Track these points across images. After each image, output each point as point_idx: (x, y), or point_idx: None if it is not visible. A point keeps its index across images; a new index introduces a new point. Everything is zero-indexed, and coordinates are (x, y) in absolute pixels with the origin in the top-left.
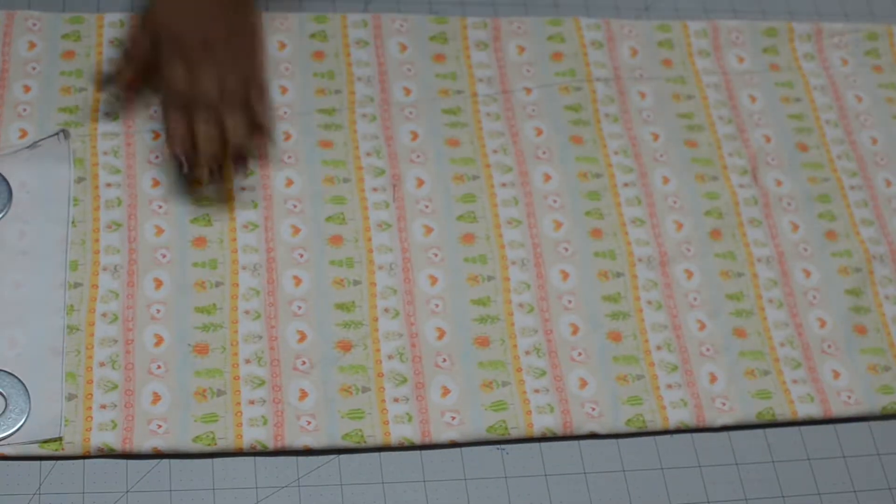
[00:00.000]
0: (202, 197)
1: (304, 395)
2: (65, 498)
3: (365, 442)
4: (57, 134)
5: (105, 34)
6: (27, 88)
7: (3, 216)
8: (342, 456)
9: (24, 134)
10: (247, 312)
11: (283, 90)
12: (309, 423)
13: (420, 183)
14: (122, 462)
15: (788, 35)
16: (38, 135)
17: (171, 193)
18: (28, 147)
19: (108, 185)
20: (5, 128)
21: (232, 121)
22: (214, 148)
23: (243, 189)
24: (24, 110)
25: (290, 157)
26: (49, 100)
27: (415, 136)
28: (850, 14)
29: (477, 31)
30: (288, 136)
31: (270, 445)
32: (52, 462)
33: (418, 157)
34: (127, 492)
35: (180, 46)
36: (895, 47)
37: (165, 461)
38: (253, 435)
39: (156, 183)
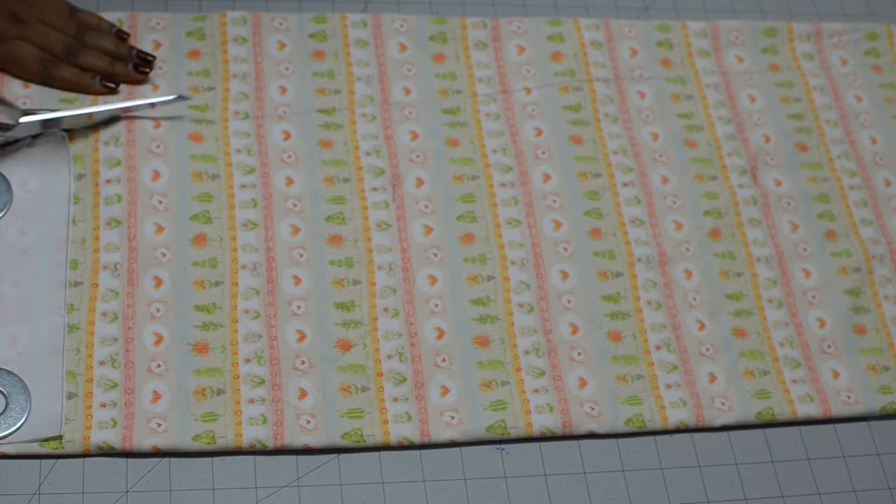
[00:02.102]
0: (202, 194)
1: (303, 394)
2: (65, 498)
3: (364, 441)
4: (55, 132)
5: None
6: (26, 85)
7: (3, 215)
8: (342, 456)
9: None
10: (246, 312)
11: (283, 90)
12: (308, 422)
13: (420, 183)
14: (122, 462)
15: (788, 35)
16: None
17: (172, 187)
18: (27, 145)
19: (108, 181)
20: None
21: (92, 39)
22: (104, 63)
23: (243, 187)
24: (24, 104)
25: (289, 157)
26: (49, 95)
27: (414, 135)
28: (849, 14)
29: (476, 31)
30: (288, 136)
31: (270, 444)
32: (52, 462)
33: (418, 156)
34: (127, 491)
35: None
36: (894, 47)
37: (165, 461)
38: (252, 434)
39: (156, 175)
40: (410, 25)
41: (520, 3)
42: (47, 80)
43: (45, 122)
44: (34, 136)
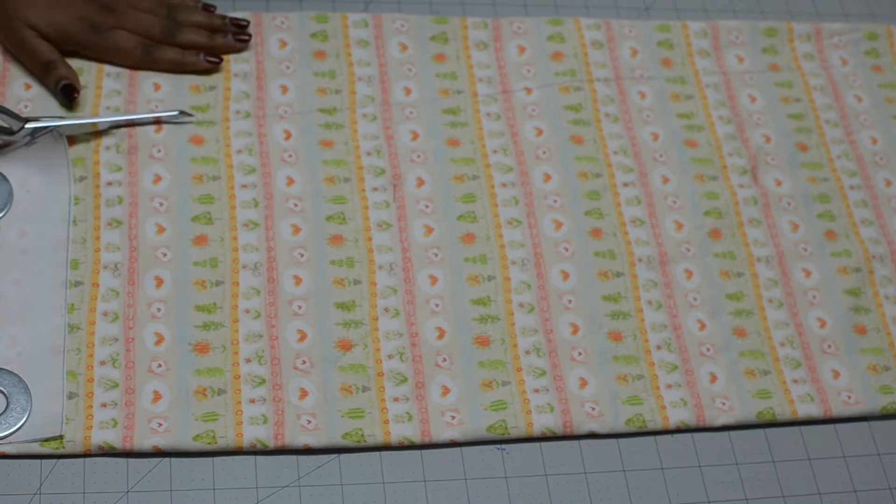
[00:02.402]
0: (203, 195)
1: (304, 394)
2: (65, 498)
3: (365, 441)
4: (51, 130)
5: None
6: (28, 86)
7: (3, 215)
8: (342, 456)
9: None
10: (247, 311)
11: (284, 89)
12: (309, 422)
13: (420, 183)
14: (123, 462)
15: (788, 35)
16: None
17: (173, 189)
18: (26, 144)
19: (109, 183)
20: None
21: (183, 15)
22: (203, 38)
23: (244, 187)
24: (26, 107)
25: (290, 156)
26: (50, 96)
27: (415, 135)
28: (849, 14)
29: (477, 31)
30: (289, 135)
31: (270, 444)
32: (53, 462)
33: (419, 156)
34: (127, 492)
35: (92, 24)
36: (895, 47)
37: (166, 461)
38: (253, 434)
39: (157, 179)
40: (411, 25)
41: (520, 3)
42: (151, 65)
43: (47, 130)
44: (32, 135)
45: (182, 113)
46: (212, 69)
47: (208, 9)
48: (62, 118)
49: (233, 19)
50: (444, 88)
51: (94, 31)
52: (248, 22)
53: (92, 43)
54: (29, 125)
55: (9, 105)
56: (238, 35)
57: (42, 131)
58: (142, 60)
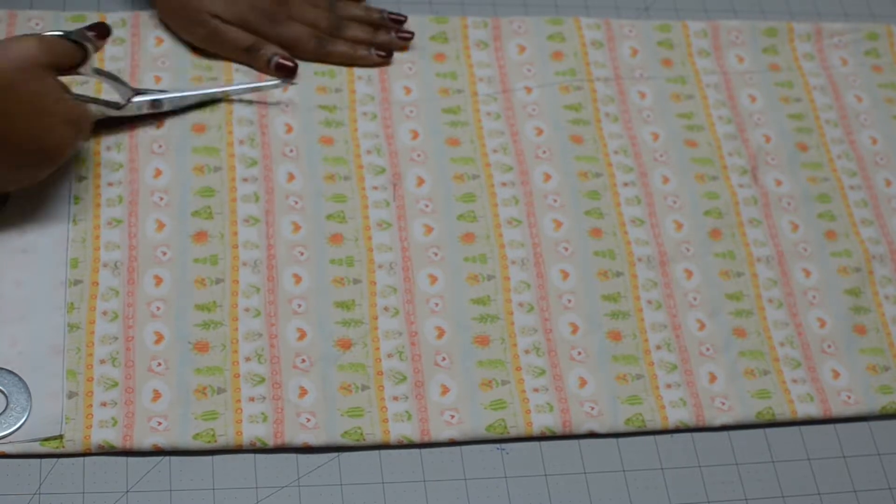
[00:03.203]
0: (204, 188)
1: (303, 392)
2: (65, 498)
3: (364, 440)
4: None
5: None
6: None
7: (2, 214)
8: (342, 456)
9: None
10: (247, 310)
11: (284, 88)
12: (308, 420)
13: (420, 182)
14: (122, 462)
15: (788, 35)
16: None
17: (174, 182)
18: None
19: (110, 183)
20: None
21: (343, 10)
22: (367, 33)
23: (245, 180)
24: None
25: (291, 151)
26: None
27: (415, 134)
28: (849, 14)
29: (477, 30)
30: (290, 129)
31: (270, 443)
32: (52, 462)
33: (418, 155)
34: (127, 492)
35: (268, 14)
36: (895, 47)
37: (165, 461)
38: (253, 432)
39: (158, 173)
40: (412, 25)
41: (520, 3)
42: (323, 57)
43: (153, 102)
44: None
45: (284, 81)
46: (382, 64)
47: (359, 0)
48: (166, 91)
49: (390, 14)
50: (443, 88)
51: (271, 22)
52: (406, 17)
53: (269, 33)
54: (136, 99)
55: None
56: (400, 32)
57: None
58: (315, 52)
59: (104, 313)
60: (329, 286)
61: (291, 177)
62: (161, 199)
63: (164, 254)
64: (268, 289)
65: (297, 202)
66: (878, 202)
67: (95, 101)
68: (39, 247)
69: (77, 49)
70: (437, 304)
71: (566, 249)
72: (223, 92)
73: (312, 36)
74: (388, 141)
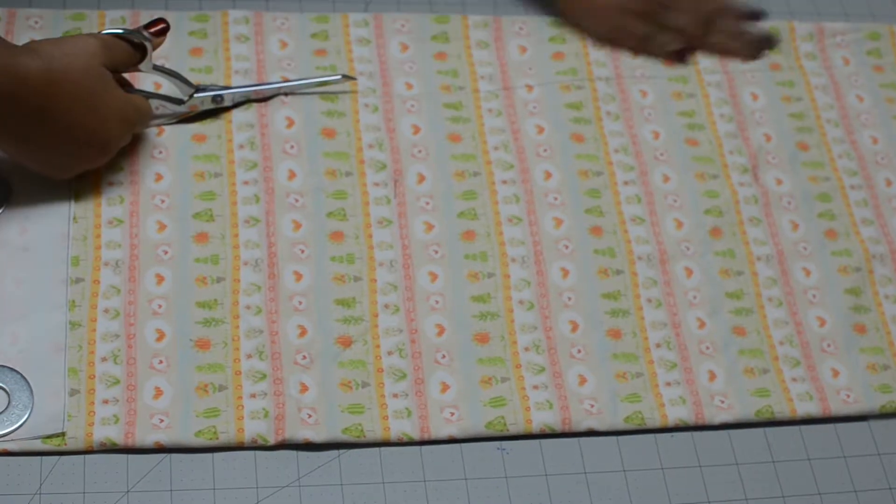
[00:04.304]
0: (204, 192)
1: (304, 388)
2: (65, 498)
3: (364, 437)
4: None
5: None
6: None
7: (3, 212)
8: (343, 455)
9: None
10: (248, 308)
11: (284, 80)
12: (310, 416)
13: (421, 179)
14: (123, 462)
15: (790, 34)
16: None
17: (175, 187)
18: None
19: (111, 183)
20: None
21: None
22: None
23: (246, 183)
24: None
25: (292, 147)
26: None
27: (416, 129)
28: (850, 14)
29: (478, 30)
30: (291, 123)
31: (271, 439)
32: (53, 462)
33: (420, 151)
34: (127, 491)
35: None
36: None
37: (166, 461)
38: (254, 429)
39: (159, 177)
40: (412, 25)
41: (520, 3)
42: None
43: (214, 98)
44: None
45: (345, 76)
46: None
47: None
48: (227, 87)
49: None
50: (445, 84)
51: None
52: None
53: (701, 41)
54: (198, 95)
55: None
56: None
57: None
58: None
59: (105, 311)
60: (330, 283)
61: (292, 174)
62: (162, 201)
63: (166, 252)
64: (268, 286)
65: (297, 200)
66: (879, 202)
67: (159, 96)
68: (40, 245)
69: (135, 48)
70: (437, 302)
71: (566, 247)
72: (284, 87)
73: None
74: (389, 135)
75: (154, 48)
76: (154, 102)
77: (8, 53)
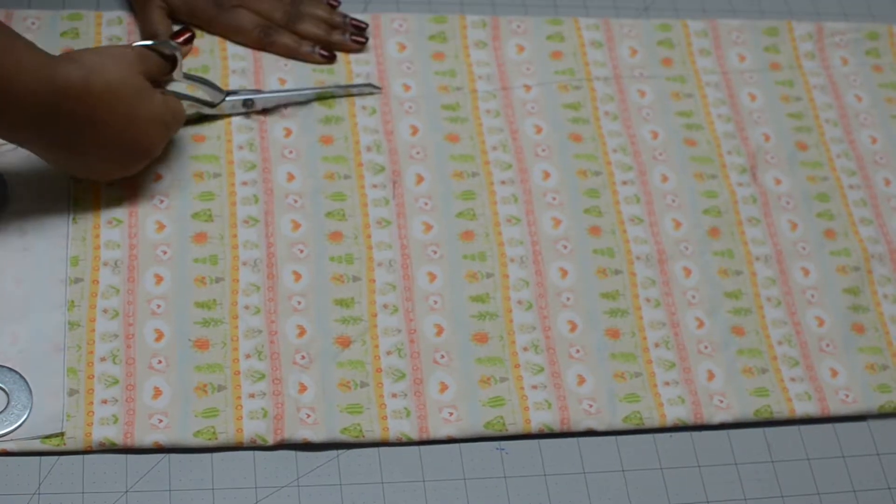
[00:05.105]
0: (203, 192)
1: (303, 388)
2: (64, 498)
3: (363, 436)
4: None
5: (103, 32)
6: None
7: (2, 212)
8: (341, 456)
9: None
10: (247, 308)
11: (282, 82)
12: (308, 416)
13: (420, 180)
14: (122, 462)
15: (789, 34)
16: None
17: (174, 187)
18: None
19: (110, 183)
20: None
21: (307, 7)
22: (322, 31)
23: (245, 184)
24: None
25: (291, 153)
26: None
27: (415, 130)
28: (849, 14)
29: (476, 30)
30: (289, 132)
31: (270, 439)
32: (52, 462)
33: (418, 153)
34: (126, 491)
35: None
36: (895, 47)
37: (165, 462)
38: (253, 429)
39: (158, 177)
40: (410, 25)
41: (519, 3)
42: (266, 47)
43: (245, 102)
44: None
45: (369, 85)
46: (324, 62)
47: (333, 4)
48: (259, 91)
49: (353, 19)
50: (443, 85)
51: (218, 7)
52: (367, 25)
53: (213, 18)
54: (229, 98)
55: None
56: (355, 36)
57: None
58: (258, 42)
59: (104, 311)
60: (329, 283)
61: (291, 176)
62: (161, 201)
63: (165, 253)
64: (267, 286)
65: (296, 200)
66: (878, 201)
67: (191, 98)
68: (40, 245)
69: (165, 59)
70: (436, 302)
71: (565, 247)
72: (314, 92)
73: (258, 25)
74: (387, 137)
75: (183, 56)
76: (186, 104)
77: (48, 64)
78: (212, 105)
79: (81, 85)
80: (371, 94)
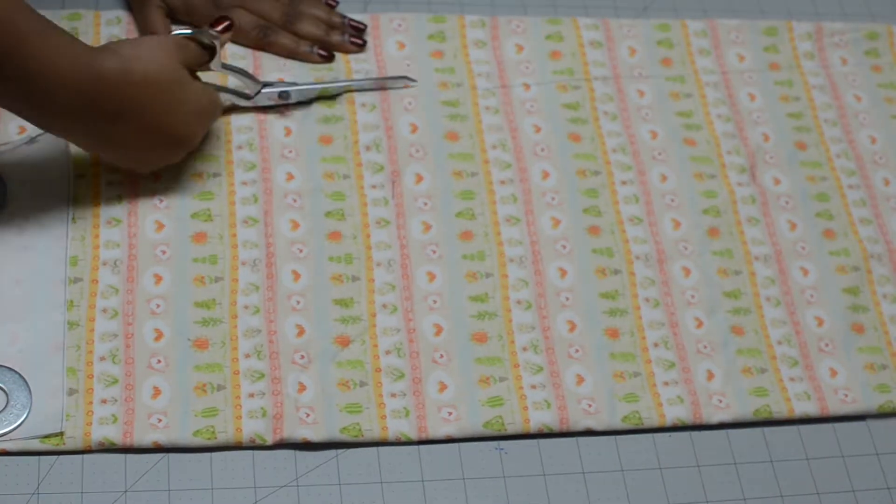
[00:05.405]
0: (203, 192)
1: (302, 388)
2: (63, 497)
3: (363, 436)
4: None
5: (102, 31)
6: None
7: (2, 212)
8: (340, 455)
9: (22, 131)
10: (246, 307)
11: (280, 80)
12: (308, 415)
13: (419, 179)
14: (121, 462)
15: (789, 34)
16: (38, 131)
17: (173, 187)
18: (26, 143)
19: (109, 183)
20: (4, 125)
21: (305, 7)
22: (321, 31)
23: (244, 184)
24: None
25: (290, 152)
26: None
27: (414, 128)
28: (849, 14)
29: (475, 29)
30: (289, 132)
31: (269, 439)
32: (51, 461)
33: (417, 151)
34: (125, 491)
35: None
36: (895, 47)
37: (164, 461)
38: (252, 428)
39: (157, 177)
40: (409, 25)
41: (518, 3)
42: (265, 47)
43: (281, 94)
44: (33, 138)
45: (405, 78)
46: (322, 62)
47: (330, 4)
48: (295, 84)
49: (351, 20)
50: (442, 82)
51: (216, 7)
52: (366, 26)
53: (212, 18)
54: (265, 90)
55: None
56: (353, 36)
57: (43, 134)
58: (257, 42)
59: (104, 311)
60: (328, 283)
61: (290, 176)
62: (161, 201)
63: (164, 252)
64: (267, 286)
65: (295, 200)
66: (877, 201)
67: (228, 90)
68: (39, 245)
69: (205, 48)
70: (435, 302)
71: (564, 247)
72: (348, 85)
73: (257, 25)
74: (387, 133)
75: (221, 46)
76: (222, 95)
77: (86, 54)
78: (248, 97)
79: (119, 76)
80: (406, 87)
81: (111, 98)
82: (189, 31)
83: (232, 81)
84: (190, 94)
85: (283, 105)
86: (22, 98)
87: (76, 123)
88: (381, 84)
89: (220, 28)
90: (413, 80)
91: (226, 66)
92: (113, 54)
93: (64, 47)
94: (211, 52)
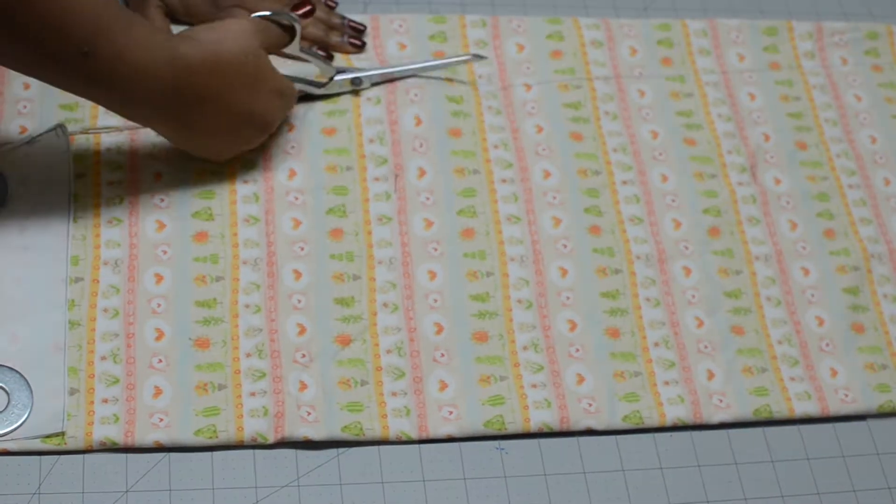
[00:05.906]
0: (204, 191)
1: (303, 386)
2: (64, 497)
3: (363, 435)
4: (55, 129)
5: None
6: (27, 86)
7: (2, 212)
8: (341, 455)
9: (24, 130)
10: (247, 306)
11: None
12: (309, 413)
13: (422, 173)
14: (122, 462)
15: (789, 34)
16: (39, 131)
17: (174, 186)
18: (27, 143)
19: (110, 182)
20: (6, 124)
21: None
22: (321, 32)
23: (245, 182)
24: (25, 107)
25: (293, 147)
26: (50, 96)
27: (419, 120)
28: (849, 14)
29: (476, 29)
30: (291, 128)
31: (271, 438)
32: (52, 461)
33: (420, 145)
34: (126, 491)
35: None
36: (895, 47)
37: (165, 461)
38: (254, 427)
39: (157, 177)
40: (410, 25)
41: (519, 3)
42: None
43: (353, 80)
44: (34, 137)
45: (476, 56)
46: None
47: (330, 4)
48: (365, 69)
49: (350, 21)
50: (447, 78)
51: (215, 7)
52: (366, 27)
53: (211, 18)
54: (338, 77)
55: (7, 104)
56: (353, 38)
57: (46, 132)
58: None
59: (105, 310)
60: (329, 282)
61: (293, 173)
62: (161, 200)
63: (165, 252)
64: (268, 285)
65: (297, 198)
66: (877, 201)
67: (301, 80)
68: (40, 244)
69: (285, 30)
70: (436, 300)
71: (565, 246)
72: (418, 68)
73: None
74: (391, 127)
75: (301, 29)
76: (297, 85)
77: (169, 45)
78: (320, 85)
79: (201, 63)
80: (472, 61)
81: (194, 84)
82: (268, 13)
83: (301, 70)
84: (271, 77)
85: (353, 91)
86: (107, 90)
87: (160, 112)
88: (450, 65)
89: (300, 12)
90: (483, 57)
91: (303, 50)
92: (193, 43)
93: (146, 39)
94: (291, 34)
